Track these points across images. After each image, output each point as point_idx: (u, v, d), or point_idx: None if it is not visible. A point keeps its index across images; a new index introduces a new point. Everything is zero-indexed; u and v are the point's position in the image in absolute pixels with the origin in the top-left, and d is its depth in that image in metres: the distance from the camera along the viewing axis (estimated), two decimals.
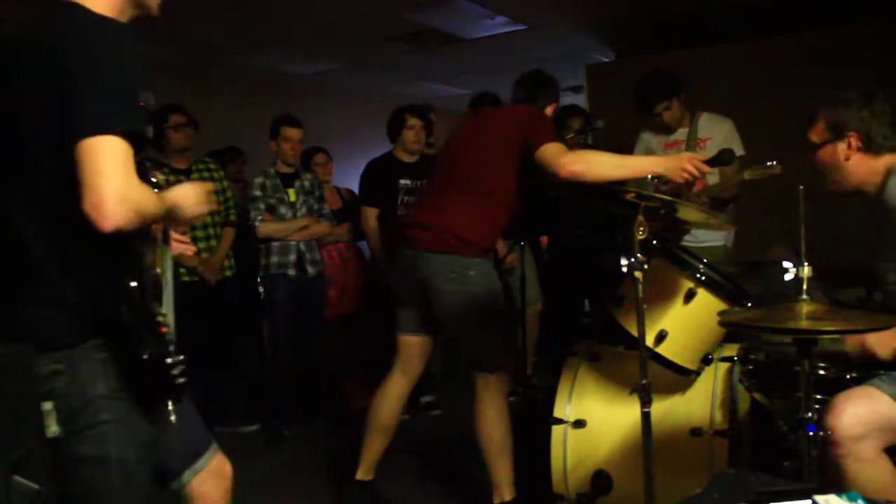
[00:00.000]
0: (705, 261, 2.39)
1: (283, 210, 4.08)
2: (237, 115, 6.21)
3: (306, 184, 4.20)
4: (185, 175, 3.96)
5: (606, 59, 6.51)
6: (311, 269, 4.12)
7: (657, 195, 2.08)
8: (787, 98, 4.24)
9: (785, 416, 2.22)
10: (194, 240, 3.94)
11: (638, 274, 1.99)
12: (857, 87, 2.16)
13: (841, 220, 2.87)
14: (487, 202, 2.69)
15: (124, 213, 1.32)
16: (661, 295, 2.35)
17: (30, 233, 1.43)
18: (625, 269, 2.02)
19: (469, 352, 2.72)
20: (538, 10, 5.20)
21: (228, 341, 4.34)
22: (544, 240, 4.78)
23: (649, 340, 2.28)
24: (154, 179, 1.56)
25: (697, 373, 2.45)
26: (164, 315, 1.50)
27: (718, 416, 2.42)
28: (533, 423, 2.84)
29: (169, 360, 1.42)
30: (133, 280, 1.42)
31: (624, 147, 3.61)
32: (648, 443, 2.01)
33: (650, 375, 2.02)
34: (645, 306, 2.03)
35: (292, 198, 4.11)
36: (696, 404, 2.47)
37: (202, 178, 4.04)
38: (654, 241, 2.36)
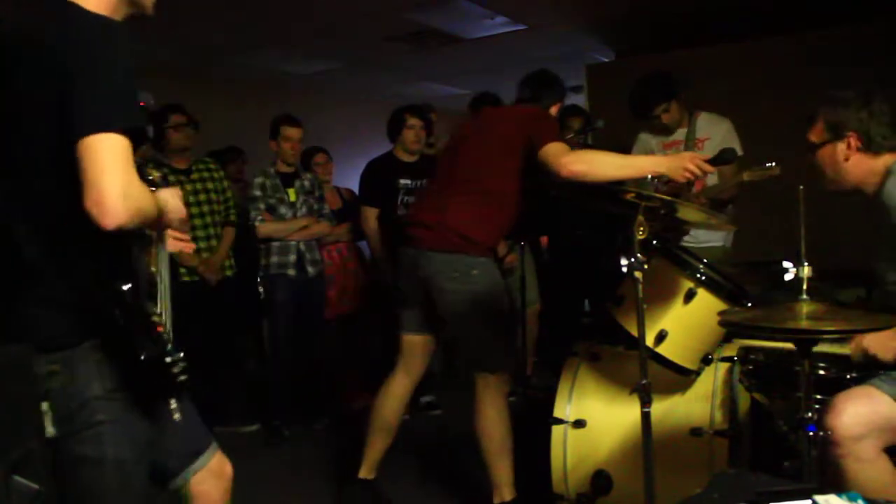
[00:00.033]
0: (705, 261, 2.39)
1: (283, 210, 4.08)
2: (237, 115, 6.21)
3: (306, 184, 4.20)
4: (185, 175, 3.96)
5: (606, 59, 6.51)
6: (311, 269, 4.12)
7: (657, 195, 2.08)
8: (787, 98, 4.24)
9: (785, 416, 2.22)
10: (195, 239, 3.95)
11: (638, 274, 1.99)
12: (856, 87, 2.16)
13: (841, 220, 2.87)
14: (489, 202, 2.69)
15: (126, 211, 1.32)
16: (661, 295, 2.35)
17: (26, 233, 1.42)
18: (625, 269, 2.02)
19: (470, 351, 2.72)
20: (538, 10, 5.20)
21: (228, 341, 4.34)
22: (544, 240, 4.79)
23: (649, 340, 2.28)
24: (150, 178, 1.56)
25: (697, 373, 2.45)
26: (159, 315, 1.50)
27: (718, 416, 2.42)
28: (533, 423, 2.84)
29: (168, 359, 1.42)
30: (128, 281, 1.42)
31: (624, 147, 3.61)
32: (648, 443, 2.01)
33: (650, 375, 2.02)
34: (645, 306, 2.03)
35: (292, 198, 4.11)
36: (696, 404, 2.47)
37: (202, 178, 4.04)
38: (654, 241, 2.36)
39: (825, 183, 2.22)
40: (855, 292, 2.58)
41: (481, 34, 5.77)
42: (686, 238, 3.40)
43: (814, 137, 2.20)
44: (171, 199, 1.65)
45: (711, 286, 2.33)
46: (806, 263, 1.75)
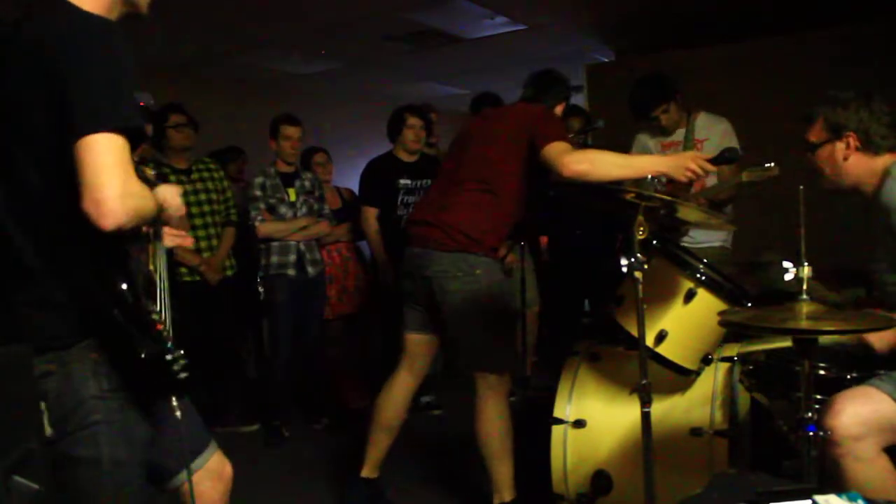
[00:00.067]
0: (705, 261, 2.39)
1: (283, 210, 4.08)
2: (237, 115, 6.21)
3: (307, 183, 4.20)
4: (185, 175, 3.96)
5: (606, 60, 6.51)
6: (311, 269, 4.12)
7: (657, 195, 2.08)
8: (787, 98, 4.24)
9: (785, 416, 2.22)
10: (195, 239, 3.95)
11: (638, 274, 1.99)
12: (856, 87, 2.16)
13: (841, 220, 2.87)
14: (493, 201, 2.68)
15: (124, 212, 1.32)
16: (661, 295, 2.34)
17: (22, 233, 1.42)
18: (625, 269, 2.02)
19: (471, 351, 2.70)
20: (538, 10, 5.20)
21: (228, 341, 4.35)
22: (544, 240, 4.79)
23: (649, 340, 2.27)
24: (145, 175, 1.56)
25: (697, 373, 2.45)
26: (158, 313, 1.50)
27: (718, 416, 2.42)
28: (533, 423, 2.84)
29: (168, 357, 1.42)
30: (127, 280, 1.42)
31: (624, 147, 3.61)
32: (648, 443, 2.01)
33: (650, 375, 2.02)
34: (645, 306, 2.03)
35: (292, 197, 4.11)
36: (696, 404, 2.47)
37: (202, 178, 4.05)
38: (654, 241, 2.36)
39: (824, 183, 2.23)
40: (855, 292, 2.58)
41: (481, 34, 5.77)
42: (684, 239, 3.40)
43: (813, 137, 2.20)
44: (171, 197, 1.66)
45: (711, 286, 2.33)
46: (806, 263, 1.75)
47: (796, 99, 3.11)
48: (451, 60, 6.56)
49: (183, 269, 3.93)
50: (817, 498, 1.42)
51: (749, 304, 2.32)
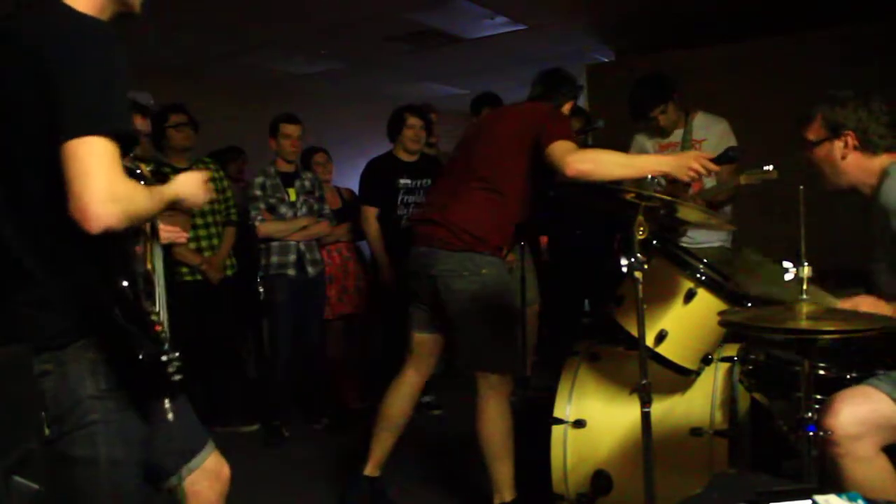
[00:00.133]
0: (705, 261, 2.39)
1: (283, 209, 4.08)
2: (237, 115, 6.21)
3: (307, 183, 4.20)
4: None
5: (606, 60, 6.51)
6: (311, 269, 4.12)
7: (657, 195, 2.08)
8: (787, 98, 4.23)
9: (785, 416, 2.22)
10: (197, 239, 3.96)
11: (638, 274, 1.99)
12: (857, 87, 2.16)
13: (841, 220, 2.87)
14: (498, 200, 2.67)
15: (111, 215, 1.31)
16: (661, 295, 2.35)
17: (16, 233, 1.42)
18: (625, 269, 2.02)
19: (475, 350, 2.69)
20: (538, 10, 5.20)
21: (228, 341, 4.35)
22: (544, 240, 4.79)
23: (649, 340, 2.28)
24: (139, 171, 1.55)
25: (697, 373, 2.45)
26: (157, 313, 1.50)
27: (718, 416, 2.42)
28: (533, 423, 2.84)
29: (164, 359, 1.41)
30: (124, 279, 1.41)
31: (624, 147, 3.61)
32: (648, 443, 2.01)
33: (650, 375, 2.02)
34: (645, 306, 2.03)
35: (292, 197, 4.11)
36: (696, 404, 2.47)
37: None
38: (654, 241, 2.36)
39: (823, 182, 2.23)
40: (854, 292, 2.59)
41: (481, 34, 5.77)
42: (684, 239, 3.40)
43: (811, 135, 2.20)
44: (187, 185, 1.64)
45: (711, 286, 2.33)
46: (806, 263, 1.75)
47: (796, 99, 3.10)
48: (451, 60, 6.56)
49: (184, 269, 3.93)
50: (817, 498, 1.42)
51: (749, 304, 2.33)
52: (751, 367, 2.38)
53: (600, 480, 2.52)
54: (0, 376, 1.31)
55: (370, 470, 2.93)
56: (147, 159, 3.74)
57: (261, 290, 4.13)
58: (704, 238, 3.49)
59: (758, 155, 2.84)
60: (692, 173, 2.40)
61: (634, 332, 2.07)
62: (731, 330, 2.29)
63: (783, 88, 4.66)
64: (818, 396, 2.00)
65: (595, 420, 2.59)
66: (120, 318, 1.39)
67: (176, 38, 5.35)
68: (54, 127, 1.32)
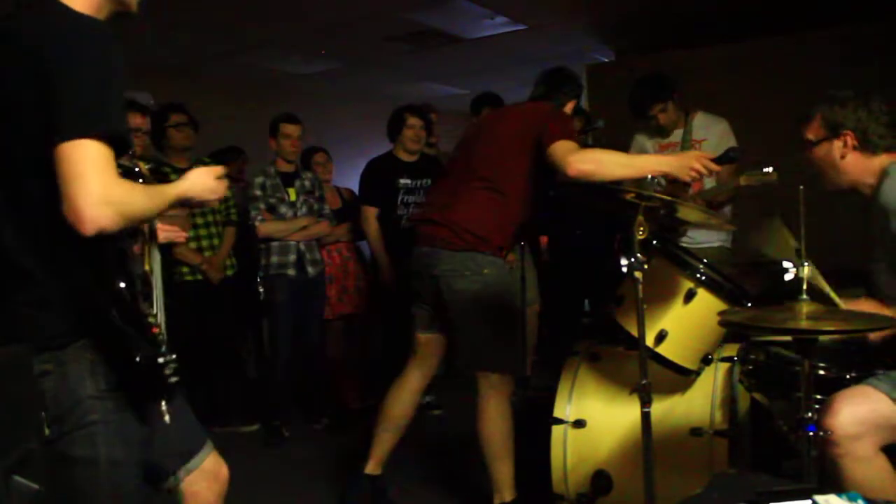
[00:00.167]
0: (705, 261, 2.39)
1: (283, 209, 4.08)
2: (237, 115, 6.21)
3: (307, 183, 4.20)
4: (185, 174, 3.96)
5: (606, 60, 6.51)
6: (311, 269, 4.12)
7: (657, 195, 2.08)
8: (787, 98, 4.24)
9: (785, 416, 2.22)
10: (197, 238, 3.96)
11: (638, 274, 1.99)
12: (857, 87, 2.16)
13: (841, 220, 2.87)
14: (500, 200, 2.66)
15: (104, 217, 1.31)
16: (661, 295, 2.34)
17: (15, 233, 1.42)
18: (625, 269, 2.02)
19: (476, 350, 2.69)
20: (538, 10, 5.20)
21: (229, 341, 4.35)
22: (544, 240, 4.79)
23: (649, 340, 2.27)
24: (137, 169, 1.55)
25: (697, 373, 2.45)
26: (154, 315, 1.50)
27: (718, 416, 2.42)
28: (533, 423, 2.84)
29: (161, 361, 1.41)
30: (122, 280, 1.41)
31: (624, 147, 3.61)
32: (648, 443, 2.01)
33: (650, 375, 2.02)
34: (645, 306, 2.03)
35: (292, 197, 4.11)
36: (696, 404, 2.47)
37: None
38: (654, 241, 2.36)
39: (823, 182, 2.23)
40: (854, 292, 2.59)
41: (481, 34, 5.78)
42: (684, 239, 3.41)
43: (811, 135, 2.20)
44: (197, 183, 1.62)
45: (711, 286, 2.33)
46: (806, 263, 1.75)
47: (796, 99, 3.10)
48: (451, 60, 6.56)
49: (184, 269, 3.93)
50: (817, 498, 1.42)
51: (749, 304, 2.33)
52: (751, 367, 2.38)
53: (600, 480, 2.52)
54: (0, 376, 1.31)
55: (371, 468, 2.93)
56: (147, 158, 3.74)
57: (261, 290, 4.14)
58: (704, 238, 3.49)
59: (758, 155, 2.85)
60: (693, 173, 2.40)
61: (634, 332, 2.07)
62: (731, 330, 2.29)
63: (783, 88, 4.66)
64: (818, 396, 2.01)
65: (595, 420, 2.59)
66: (117, 320, 1.38)
67: (173, 37, 5.34)
68: (50, 127, 1.32)
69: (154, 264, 1.63)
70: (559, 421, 2.62)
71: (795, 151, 2.29)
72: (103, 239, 1.34)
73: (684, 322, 2.35)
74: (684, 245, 3.01)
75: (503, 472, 2.68)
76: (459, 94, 7.53)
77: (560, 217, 4.36)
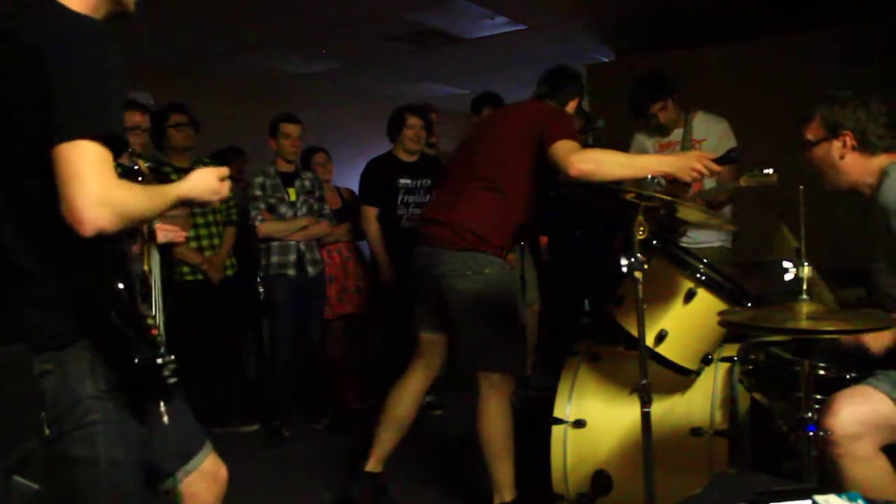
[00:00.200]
0: (705, 261, 2.39)
1: (283, 209, 4.08)
2: (237, 115, 6.21)
3: (307, 183, 4.21)
4: (186, 174, 3.94)
5: (606, 60, 6.51)
6: (311, 269, 4.12)
7: (657, 195, 2.08)
8: (787, 98, 4.23)
9: (785, 416, 2.22)
10: (197, 238, 3.96)
11: (638, 274, 1.99)
12: (857, 87, 2.17)
13: (841, 220, 2.87)
14: (501, 200, 2.66)
15: (102, 218, 1.31)
16: (661, 295, 2.35)
17: (15, 234, 1.42)
18: (625, 269, 2.02)
19: (477, 350, 2.69)
20: (538, 10, 5.20)
21: (229, 341, 4.35)
22: (544, 240, 4.78)
23: (649, 340, 2.27)
24: (137, 168, 1.55)
25: (697, 373, 2.45)
26: (152, 317, 1.49)
27: (718, 416, 2.42)
28: (533, 423, 2.84)
29: (159, 362, 1.41)
30: (121, 281, 1.41)
31: (624, 147, 3.61)
32: (648, 443, 2.01)
33: (650, 375, 2.02)
34: (645, 306, 2.03)
35: (292, 197, 4.12)
36: (696, 404, 2.47)
37: None
38: (654, 241, 2.36)
39: (822, 182, 2.23)
40: (855, 292, 2.59)
41: (481, 34, 5.77)
42: (684, 239, 3.40)
43: (810, 135, 2.21)
44: (199, 184, 1.61)
45: (711, 286, 2.33)
46: (806, 263, 1.75)
47: (796, 99, 3.10)
48: (451, 60, 6.56)
49: (185, 268, 3.93)
50: (817, 498, 1.42)
51: (749, 304, 2.33)
52: (751, 367, 2.38)
53: (600, 480, 2.52)
54: (0, 376, 1.31)
55: (371, 466, 2.93)
56: (147, 157, 3.74)
57: (261, 290, 4.14)
58: (704, 238, 3.49)
59: (758, 155, 2.84)
60: (694, 173, 2.40)
61: (634, 332, 2.08)
62: (731, 330, 2.29)
63: (783, 88, 4.65)
64: (818, 396, 2.01)
65: (595, 420, 2.59)
66: (116, 321, 1.38)
67: (172, 37, 5.34)
68: (49, 128, 1.32)
69: (153, 264, 1.63)
70: (559, 421, 2.62)
71: (795, 151, 2.29)
72: (103, 239, 1.34)
73: (684, 322, 2.35)
74: (684, 245, 3.01)
75: (503, 471, 2.69)
76: (459, 94, 7.53)
77: (560, 217, 4.36)
